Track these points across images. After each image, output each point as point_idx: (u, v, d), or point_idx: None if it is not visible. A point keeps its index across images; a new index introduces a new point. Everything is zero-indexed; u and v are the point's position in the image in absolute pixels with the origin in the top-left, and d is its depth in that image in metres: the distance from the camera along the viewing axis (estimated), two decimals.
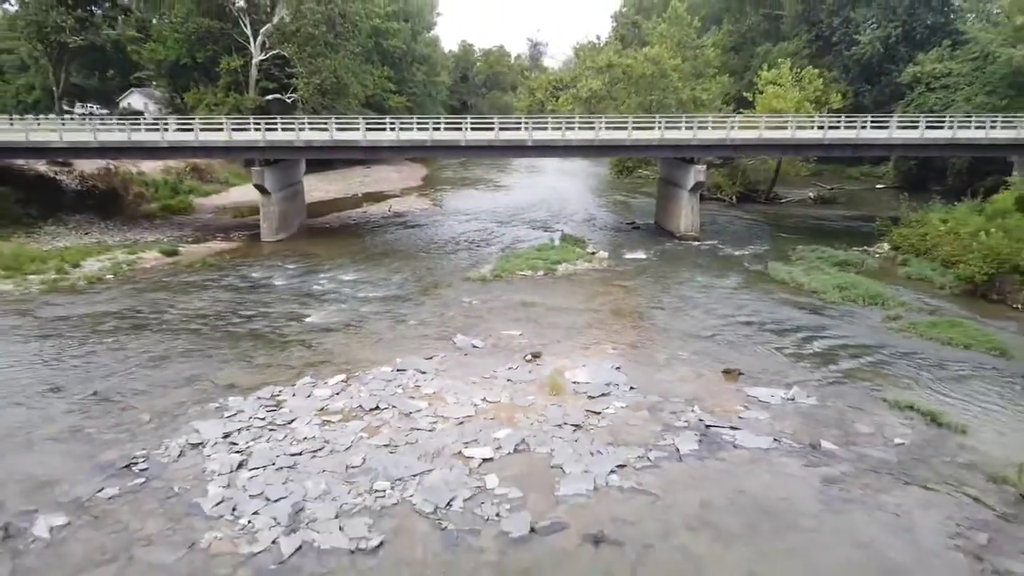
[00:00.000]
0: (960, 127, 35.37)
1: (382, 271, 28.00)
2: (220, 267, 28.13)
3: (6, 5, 58.68)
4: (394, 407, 14.84)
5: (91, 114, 62.01)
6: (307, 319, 21.57)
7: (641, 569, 10.04)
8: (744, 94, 48.11)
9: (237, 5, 50.97)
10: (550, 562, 10.14)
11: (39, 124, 39.51)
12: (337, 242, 34.22)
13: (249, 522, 10.85)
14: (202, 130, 33.30)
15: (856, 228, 37.69)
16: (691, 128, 34.21)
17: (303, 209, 39.12)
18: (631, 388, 16.01)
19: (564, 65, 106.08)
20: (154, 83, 60.03)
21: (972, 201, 30.94)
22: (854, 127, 35.59)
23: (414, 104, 69.38)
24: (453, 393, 15.58)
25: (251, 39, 50.66)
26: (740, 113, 44.31)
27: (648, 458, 12.92)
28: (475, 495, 11.63)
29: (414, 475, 12.18)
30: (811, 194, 51.00)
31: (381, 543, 10.39)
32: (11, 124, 40.53)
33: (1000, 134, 34.86)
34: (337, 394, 15.56)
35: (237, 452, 12.95)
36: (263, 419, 14.29)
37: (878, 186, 56.27)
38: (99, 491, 11.73)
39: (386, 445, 13.26)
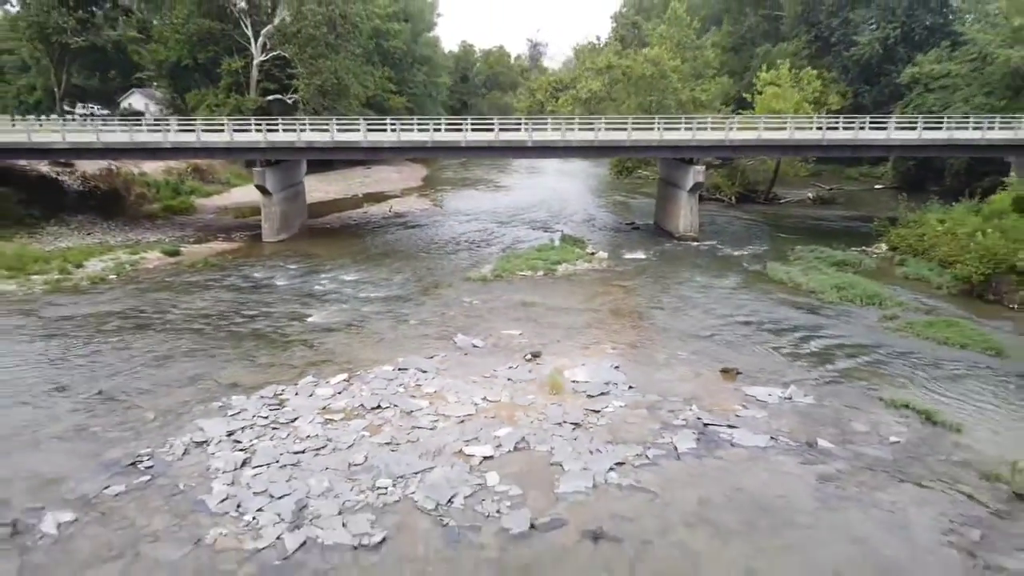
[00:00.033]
0: (957, 128, 35.55)
1: (383, 271, 28.17)
2: (222, 267, 28.30)
3: (7, 6, 58.79)
4: (396, 406, 15.02)
5: (92, 115, 62.22)
6: (309, 319, 21.74)
7: (639, 565, 10.21)
8: (743, 95, 48.28)
9: (238, 6, 51.14)
10: (550, 558, 10.31)
11: (41, 125, 39.74)
12: (338, 242, 34.39)
13: (253, 519, 11.02)
14: (204, 131, 33.51)
15: (854, 228, 37.86)
16: (690, 129, 34.38)
17: (304, 209, 39.31)
18: (630, 387, 16.18)
19: (564, 66, 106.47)
20: (155, 84, 60.19)
21: (969, 201, 31.12)
22: (852, 128, 35.75)
23: (414, 105, 69.54)
24: (454, 392, 15.76)
25: (252, 40, 50.83)
26: (739, 114, 44.52)
27: (646, 456, 13.09)
28: (476, 492, 11.80)
29: (416, 473, 12.35)
30: (810, 194, 51.19)
31: (383, 539, 10.56)
32: (13, 125, 40.82)
33: (997, 135, 35.03)
34: (339, 393, 15.74)
35: (241, 450, 13.13)
36: (266, 418, 14.46)
37: (877, 186, 56.46)
38: (105, 488, 11.90)
39: (388, 443, 13.43)
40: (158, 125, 35.46)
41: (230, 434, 13.74)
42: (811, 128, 36.81)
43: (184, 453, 13.10)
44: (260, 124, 33.54)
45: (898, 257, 29.70)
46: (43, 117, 51.63)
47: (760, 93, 45.09)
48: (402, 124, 34.88)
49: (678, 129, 35.00)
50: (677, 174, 35.95)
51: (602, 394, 15.76)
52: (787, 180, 50.74)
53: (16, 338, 19.40)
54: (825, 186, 54.67)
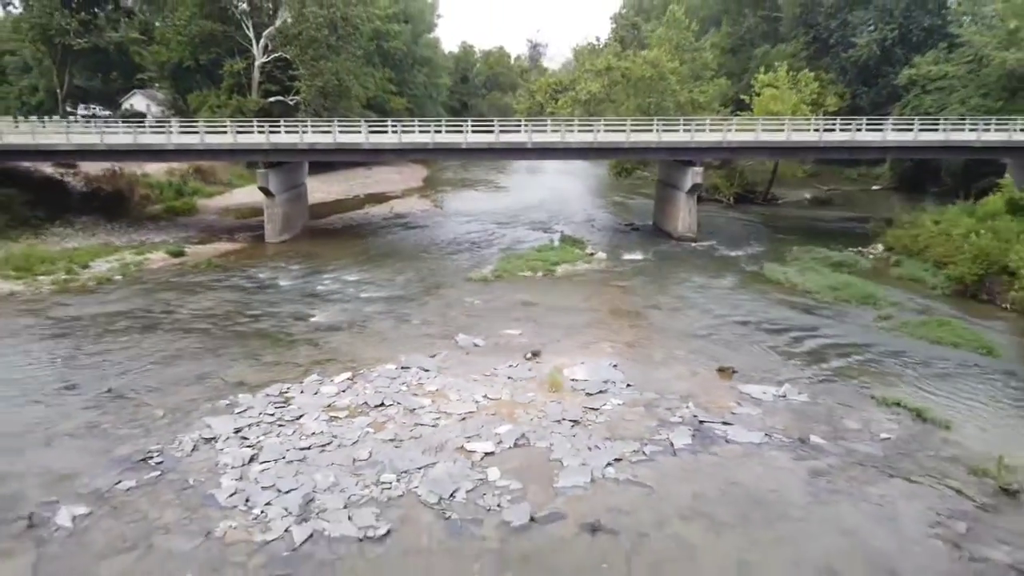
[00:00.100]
0: (953, 130, 35.88)
1: (385, 272, 28.52)
2: (226, 268, 28.64)
3: (10, 7, 59.01)
4: (399, 403, 15.38)
5: (94, 115, 62.55)
6: (313, 319, 22.09)
7: (636, 557, 10.56)
8: (742, 97, 48.61)
9: (240, 8, 51.44)
10: (549, 550, 10.66)
11: (44, 126, 40.08)
12: (340, 243, 34.75)
13: (262, 512, 11.38)
14: (207, 133, 33.87)
15: (851, 229, 38.21)
16: (688, 130, 34.75)
17: (306, 210, 39.66)
18: (628, 385, 16.55)
19: (564, 66, 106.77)
20: (157, 85, 60.48)
21: (964, 202, 31.46)
22: (849, 130, 36.08)
23: (415, 105, 69.81)
24: (455, 390, 16.11)
25: (253, 42, 51.14)
26: (737, 115, 44.84)
27: (643, 452, 13.45)
28: (477, 487, 12.16)
29: (419, 468, 12.71)
30: (808, 195, 51.54)
31: (388, 532, 10.93)
32: (16, 126, 41.13)
33: (992, 136, 35.37)
34: (343, 391, 16.09)
35: (248, 446, 13.49)
36: (272, 415, 14.82)
37: (875, 187, 56.84)
38: (117, 483, 12.27)
39: (391, 440, 13.79)
40: (161, 127, 35.79)
41: (237, 431, 14.10)
42: (808, 130, 37.16)
43: (193, 449, 13.46)
44: (263, 126, 33.91)
45: (894, 258, 30.06)
46: (45, 118, 52.06)
47: (758, 95, 45.42)
48: (403, 126, 35.23)
49: (676, 131, 35.37)
50: (676, 175, 36.29)
51: (600, 392, 16.12)
52: (785, 181, 51.06)
53: (26, 338, 19.76)
54: (823, 187, 55.06)
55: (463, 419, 14.72)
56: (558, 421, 14.63)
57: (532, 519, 11.29)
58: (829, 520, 11.51)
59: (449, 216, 44.30)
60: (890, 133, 36.26)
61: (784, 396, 16.14)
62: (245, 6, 51.75)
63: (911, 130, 35.97)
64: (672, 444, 13.80)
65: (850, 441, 14.11)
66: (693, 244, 34.52)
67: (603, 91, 47.47)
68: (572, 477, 12.50)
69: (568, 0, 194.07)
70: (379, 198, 51.03)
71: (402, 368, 17.49)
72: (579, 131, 36.27)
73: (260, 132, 33.89)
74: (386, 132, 35.24)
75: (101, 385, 16.42)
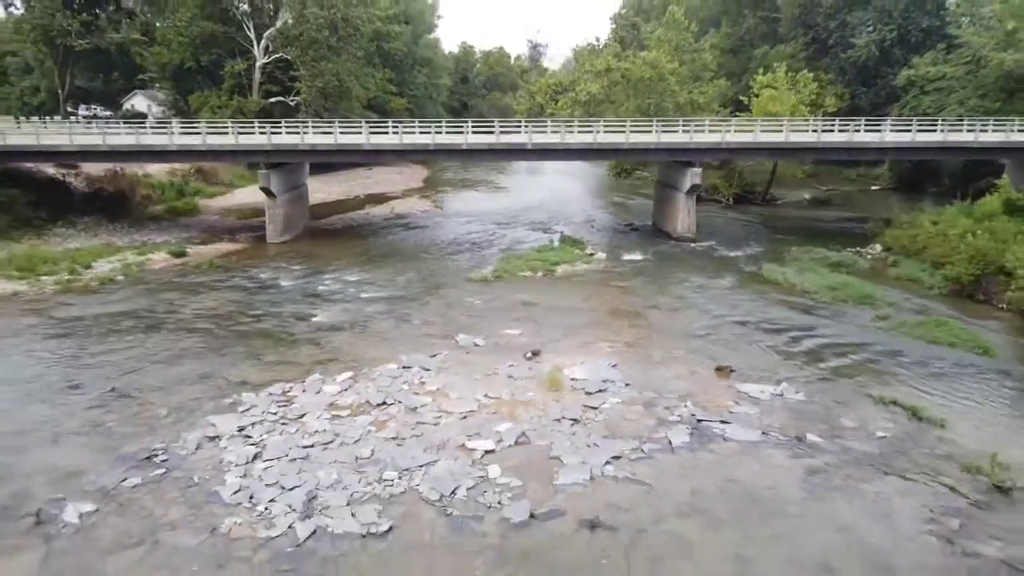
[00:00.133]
0: (951, 130, 36.04)
1: (385, 272, 28.68)
2: (227, 268, 28.82)
3: (11, 8, 59.18)
4: (400, 402, 15.55)
5: (95, 116, 62.75)
6: (314, 319, 22.26)
7: (634, 552, 10.73)
8: (741, 97, 48.79)
9: (241, 9, 51.67)
10: (548, 546, 10.83)
11: (46, 126, 40.26)
12: (341, 243, 34.93)
13: (266, 509, 11.56)
14: (209, 134, 34.04)
15: (850, 229, 38.37)
16: (687, 131, 34.92)
17: (307, 211, 39.83)
18: (627, 384, 16.72)
19: (564, 66, 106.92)
20: (157, 85, 60.69)
21: (962, 203, 31.63)
22: (847, 130, 36.24)
23: (415, 106, 70.03)
24: (456, 389, 16.29)
25: (254, 43, 51.35)
26: (737, 116, 45.01)
27: (642, 450, 13.62)
28: (478, 484, 12.34)
29: (420, 466, 12.89)
30: (807, 196, 51.71)
31: (391, 528, 11.10)
32: (19, 127, 41.34)
33: (990, 137, 35.53)
34: (345, 390, 16.26)
35: (252, 445, 13.67)
36: (275, 414, 15.00)
37: (874, 187, 57.02)
38: (123, 481, 12.44)
39: (393, 438, 13.97)
40: (163, 128, 35.96)
41: (241, 429, 14.28)
42: (807, 130, 37.32)
43: (197, 447, 13.64)
44: (264, 127, 34.08)
45: (892, 258, 30.22)
46: (47, 119, 52.25)
47: (757, 96, 45.59)
48: (404, 127, 35.40)
49: (675, 131, 35.55)
50: (675, 176, 36.46)
51: (600, 391, 16.29)
52: (785, 181, 51.25)
53: (30, 337, 19.93)
54: (822, 187, 55.24)
55: (464, 418, 14.90)
56: (558, 420, 14.80)
57: (532, 516, 11.47)
58: (825, 517, 11.68)
59: (449, 216, 44.48)
60: (888, 134, 36.44)
61: (781, 395, 16.31)
62: (246, 7, 52.00)
63: (909, 131, 36.14)
64: (670, 442, 13.98)
65: (846, 439, 14.27)
66: (692, 244, 34.69)
67: (603, 92, 47.68)
68: (571, 475, 12.67)
69: (568, 0, 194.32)
70: (379, 198, 51.22)
71: (403, 367, 17.66)
72: (579, 132, 36.44)
73: (262, 133, 34.07)
74: (387, 133, 35.42)
75: (105, 384, 16.59)
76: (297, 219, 37.06)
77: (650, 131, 35.25)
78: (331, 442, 13.78)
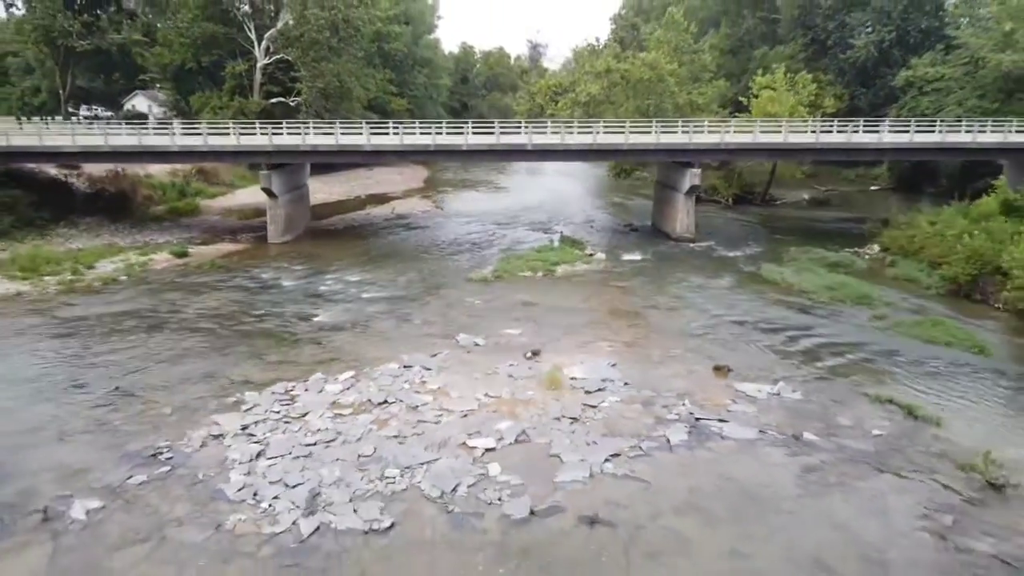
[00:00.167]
0: (949, 131, 36.23)
1: (386, 272, 28.85)
2: (229, 268, 28.99)
3: (12, 9, 59.35)
4: (401, 401, 15.73)
5: (96, 116, 62.98)
6: (316, 318, 22.44)
7: (632, 548, 10.91)
8: (740, 98, 48.98)
9: (242, 10, 51.80)
10: (548, 542, 11.01)
11: (48, 127, 40.46)
12: (342, 244, 35.10)
13: (270, 506, 11.74)
14: (210, 134, 34.20)
15: (848, 230, 38.56)
16: (687, 132, 35.10)
17: (308, 211, 40.01)
18: (625, 383, 16.89)
19: (564, 66, 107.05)
20: (158, 86, 60.87)
21: (960, 203, 31.80)
22: (846, 131, 36.44)
23: (415, 106, 70.18)
24: (457, 388, 16.47)
25: (255, 44, 51.49)
26: (736, 117, 45.19)
27: (640, 448, 13.80)
28: (479, 481, 12.52)
29: (422, 463, 13.07)
30: (806, 196, 51.88)
31: (393, 524, 11.28)
32: (21, 128, 41.52)
33: (988, 138, 35.73)
34: (347, 389, 16.44)
35: (256, 443, 13.85)
36: (278, 412, 15.18)
37: (873, 188, 57.22)
38: (128, 478, 12.62)
39: (395, 436, 14.15)
40: (165, 129, 36.13)
41: (244, 428, 14.46)
42: (805, 131, 37.51)
43: (202, 445, 13.82)
44: (266, 128, 34.25)
45: (889, 258, 30.40)
46: (48, 119, 52.42)
47: (756, 97, 45.78)
48: (405, 128, 35.57)
49: (675, 132, 35.74)
50: (674, 176, 36.63)
51: (599, 390, 16.46)
52: (784, 182, 51.44)
53: (34, 337, 20.11)
54: (821, 188, 55.44)
55: (464, 416, 15.08)
56: (557, 418, 14.98)
57: (532, 512, 11.65)
58: (820, 513, 11.86)
59: (450, 217, 44.65)
60: (886, 135, 36.63)
61: (778, 394, 16.48)
62: (247, 8, 52.11)
63: (907, 132, 36.34)
64: (668, 440, 14.15)
65: (842, 437, 14.45)
66: (691, 245, 34.86)
67: (602, 93, 47.86)
68: (571, 472, 12.85)
69: (568, 0, 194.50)
70: (380, 199, 51.41)
71: (404, 367, 17.83)
72: (579, 133, 36.62)
73: (263, 134, 34.25)
74: (387, 134, 35.59)
75: (109, 383, 16.77)
76: (298, 219, 37.24)
77: (649, 132, 35.43)
78: (333, 440, 13.96)
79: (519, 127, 38.01)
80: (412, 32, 73.44)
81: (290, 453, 13.42)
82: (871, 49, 56.04)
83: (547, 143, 35.40)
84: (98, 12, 53.64)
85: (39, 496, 12.04)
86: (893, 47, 55.81)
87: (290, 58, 49.84)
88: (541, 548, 10.85)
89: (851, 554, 10.84)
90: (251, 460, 13.17)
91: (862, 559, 10.72)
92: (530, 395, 16.13)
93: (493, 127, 35.36)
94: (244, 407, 15.47)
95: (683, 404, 15.76)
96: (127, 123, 39.28)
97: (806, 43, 61.04)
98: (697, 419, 15.06)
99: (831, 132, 37.09)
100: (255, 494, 12.07)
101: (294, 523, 11.26)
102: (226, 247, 33.21)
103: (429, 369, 17.69)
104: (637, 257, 32.24)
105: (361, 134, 35.11)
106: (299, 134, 34.45)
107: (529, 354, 18.72)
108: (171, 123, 37.24)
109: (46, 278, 25.78)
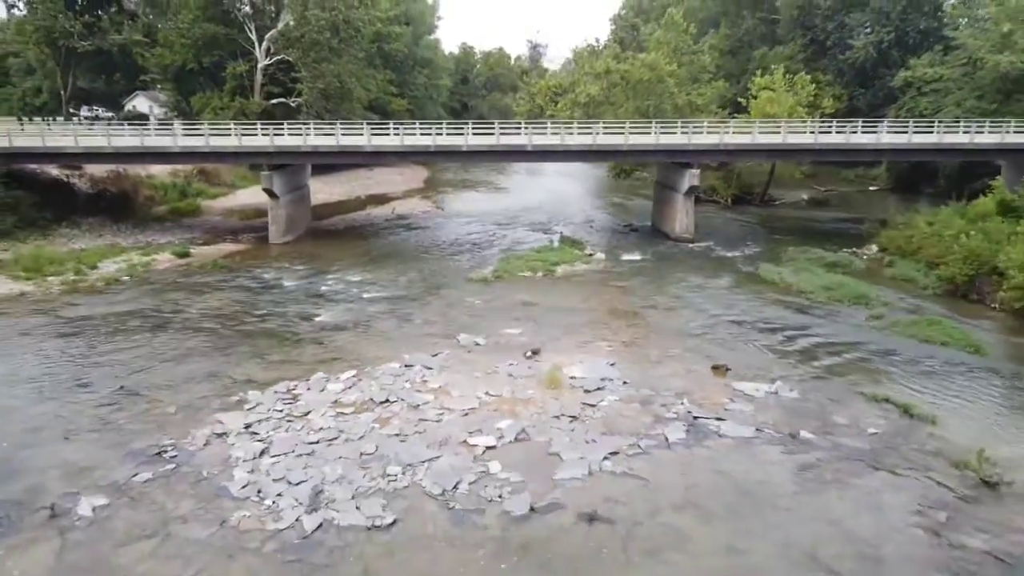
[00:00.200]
0: (947, 132, 36.40)
1: (387, 272, 29.02)
2: (231, 268, 29.17)
3: (14, 10, 59.49)
4: (403, 400, 15.91)
5: (97, 117, 63.13)
6: (317, 318, 22.62)
7: (631, 543, 11.09)
8: (739, 99, 49.14)
9: (243, 11, 51.97)
10: (548, 538, 11.19)
11: (50, 128, 40.63)
12: (343, 244, 35.28)
13: (274, 502, 11.92)
14: (212, 136, 34.37)
15: (847, 230, 38.73)
16: (686, 133, 35.27)
17: (309, 212, 40.17)
18: (624, 383, 17.07)
19: (564, 67, 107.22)
20: (159, 87, 61.04)
21: (957, 204, 31.97)
22: (844, 132, 36.60)
23: (415, 107, 70.31)
24: (458, 387, 16.65)
25: (256, 44, 51.65)
26: (735, 117, 45.37)
27: (639, 446, 13.98)
28: (479, 479, 12.70)
29: (423, 461, 13.25)
30: (805, 196, 52.05)
31: (395, 521, 11.47)
32: (22, 128, 41.69)
33: (985, 138, 35.90)
34: (349, 388, 16.62)
35: (259, 441, 14.03)
36: (281, 411, 15.36)
37: (872, 188, 57.39)
38: (134, 476, 12.80)
39: (396, 434, 14.33)
40: (167, 129, 36.30)
41: (248, 426, 14.64)
42: (804, 132, 37.68)
43: (205, 444, 14.00)
44: (267, 129, 34.43)
45: (887, 258, 30.57)
46: (49, 119, 52.57)
47: (755, 97, 45.94)
48: (405, 128, 35.75)
49: (674, 133, 35.91)
50: (673, 177, 36.80)
51: (598, 389, 16.64)
52: (783, 182, 51.62)
53: (38, 337, 20.29)
54: (820, 188, 55.59)
55: (465, 415, 15.25)
56: (557, 417, 15.16)
57: (532, 509, 11.82)
58: (816, 510, 12.04)
59: (450, 217, 44.83)
60: (884, 135, 36.78)
61: (776, 393, 16.66)
62: (248, 9, 52.27)
63: (905, 132, 36.50)
64: (667, 438, 14.33)
65: (838, 436, 14.63)
66: (690, 245, 35.04)
67: (602, 94, 48.00)
68: (570, 470, 13.03)
69: (568, 1, 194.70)
70: (381, 199, 51.59)
71: (406, 366, 18.01)
72: (578, 133, 36.78)
73: (264, 135, 34.42)
74: (388, 135, 35.76)
75: (114, 383, 16.95)
76: (299, 220, 37.41)
77: (649, 133, 35.60)
78: (336, 438, 14.13)
79: (519, 128, 38.19)
80: (412, 33, 73.58)
81: (293, 451, 13.60)
82: (870, 50, 56.20)
83: (547, 144, 35.57)
84: (99, 13, 53.80)
85: (46, 493, 12.23)
86: (892, 48, 55.96)
87: (291, 59, 50.00)
88: (541, 544, 11.02)
89: (846, 550, 11.01)
90: (255, 458, 13.34)
91: (857, 555, 10.89)
92: (530, 394, 16.30)
93: (493, 128, 35.54)
94: (247, 406, 15.64)
95: (681, 403, 15.93)
96: (128, 124, 39.43)
97: (805, 44, 61.20)
98: (695, 418, 15.24)
99: (830, 133, 37.26)
100: (259, 491, 12.25)
101: (297, 519, 11.44)
102: (227, 247, 33.38)
103: (430, 368, 17.87)
104: (636, 257, 32.42)
105: (362, 135, 35.29)
106: (300, 135, 34.63)
107: (529, 353, 18.90)
108: (172, 124, 37.40)
109: (49, 278, 25.96)
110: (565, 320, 22.38)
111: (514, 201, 51.92)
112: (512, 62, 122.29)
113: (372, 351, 19.34)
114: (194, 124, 37.25)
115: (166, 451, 13.70)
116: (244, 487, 12.38)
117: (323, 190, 49.27)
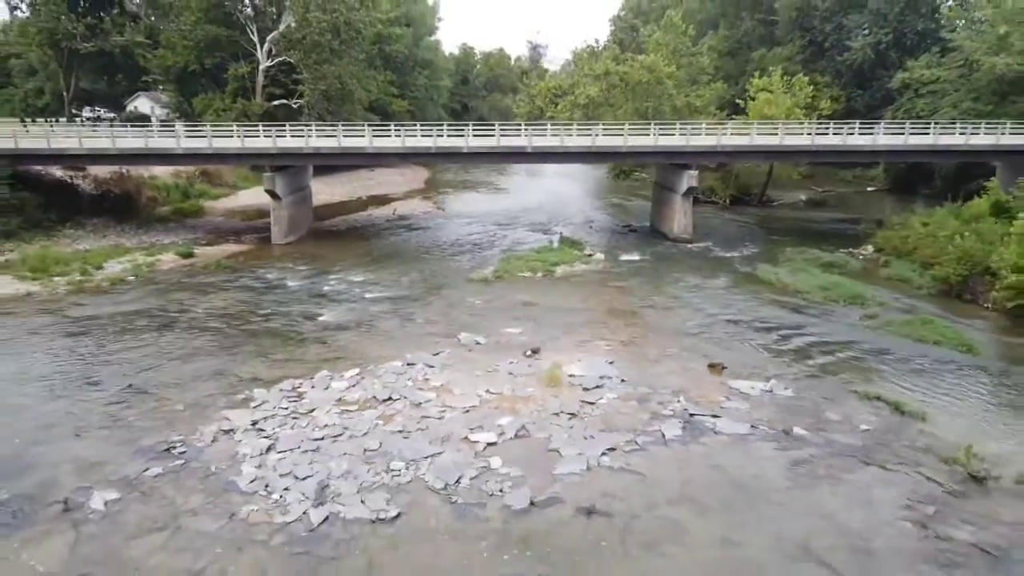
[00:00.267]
0: (943, 133, 36.73)
1: (389, 272, 29.36)
2: (234, 269, 29.50)
3: (17, 12, 59.84)
4: (405, 398, 16.25)
5: (99, 118, 63.44)
6: (321, 318, 22.96)
7: (628, 536, 11.43)
8: (738, 101, 49.49)
9: (244, 13, 52.31)
10: (548, 531, 11.53)
11: (53, 129, 40.91)
12: (344, 244, 35.62)
13: (281, 497, 12.26)
14: (215, 137, 34.71)
15: (843, 230, 39.07)
16: (684, 134, 35.61)
17: (311, 212, 40.51)
18: (622, 381, 17.41)
19: (564, 67, 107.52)
20: (161, 88, 61.37)
21: (952, 205, 32.31)
22: (841, 133, 36.92)
23: (416, 108, 70.68)
24: (459, 385, 16.99)
25: (258, 46, 51.99)
26: (733, 119, 45.70)
27: (636, 442, 14.33)
28: (481, 474, 13.04)
29: (426, 457, 13.60)
30: (803, 197, 52.39)
31: (399, 514, 11.81)
32: (26, 130, 41.99)
33: (980, 140, 36.25)
34: (353, 386, 16.96)
35: (265, 437, 14.37)
36: (287, 408, 15.70)
37: (869, 189, 57.74)
38: (144, 471, 13.14)
39: (400, 431, 14.67)
40: (170, 131, 36.63)
41: (254, 423, 14.98)
42: (801, 133, 38.02)
43: (213, 440, 14.33)
44: (269, 130, 34.77)
45: (883, 258, 30.92)
46: (52, 120, 52.88)
47: (753, 99, 46.28)
48: (406, 130, 36.08)
49: (673, 134, 36.26)
50: (672, 178, 37.13)
51: (596, 387, 16.98)
52: (781, 183, 51.95)
53: (46, 336, 20.63)
54: (818, 189, 55.95)
55: (467, 412, 15.59)
56: (556, 414, 15.51)
57: (532, 503, 12.16)
58: (809, 504, 12.38)
59: (451, 218, 45.17)
60: (881, 137, 37.12)
61: (771, 391, 17.00)
62: (249, 11, 52.63)
63: (902, 134, 36.83)
64: (663, 435, 14.67)
65: (831, 432, 14.97)
66: (689, 245, 35.38)
67: (601, 95, 48.35)
68: (569, 465, 13.37)
69: (568, 1, 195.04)
70: (382, 200, 51.94)
71: (408, 365, 18.35)
72: (578, 135, 37.12)
73: (267, 136, 34.75)
74: (389, 136, 36.10)
75: (123, 381, 17.30)
76: (301, 220, 37.75)
77: (648, 134, 35.96)
78: (340, 435, 14.47)
79: (519, 129, 38.54)
80: (413, 34, 73.94)
81: (299, 447, 13.94)
82: (868, 51, 56.55)
83: (547, 145, 35.90)
84: (101, 15, 54.12)
85: (59, 488, 12.57)
86: (889, 49, 56.31)
87: (292, 60, 50.33)
88: (541, 537, 11.36)
89: (838, 542, 11.35)
90: (261, 454, 13.69)
91: (848, 547, 11.23)
92: (530, 392, 16.64)
93: (493, 129, 35.88)
94: (253, 403, 15.98)
95: (678, 400, 16.27)
96: (130, 125, 39.75)
97: (803, 45, 61.57)
98: (691, 415, 15.58)
99: (827, 134, 37.58)
100: (266, 486, 12.59)
101: (304, 513, 11.78)
102: (231, 248, 33.72)
103: (432, 367, 18.21)
104: (635, 257, 32.76)
105: (363, 136, 35.63)
106: (302, 136, 34.96)
107: (529, 352, 19.24)
108: (174, 125, 37.71)
109: (55, 278, 26.29)
110: (564, 319, 22.72)
111: (514, 202, 52.26)
112: (512, 63, 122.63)
113: (375, 350, 19.68)
114: (196, 126, 37.58)
115: (175, 447, 14.04)
116: (252, 482, 12.72)
117: (325, 191, 49.62)
